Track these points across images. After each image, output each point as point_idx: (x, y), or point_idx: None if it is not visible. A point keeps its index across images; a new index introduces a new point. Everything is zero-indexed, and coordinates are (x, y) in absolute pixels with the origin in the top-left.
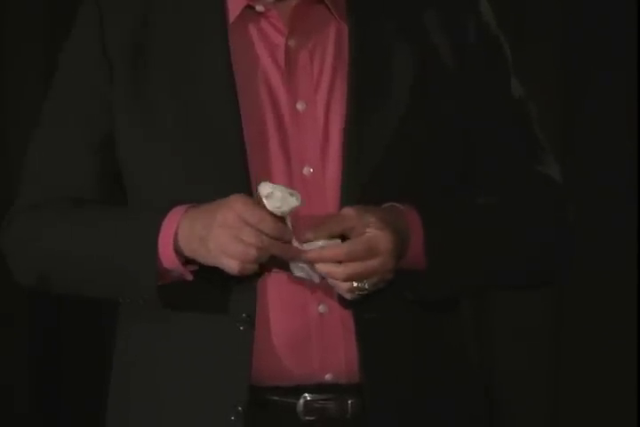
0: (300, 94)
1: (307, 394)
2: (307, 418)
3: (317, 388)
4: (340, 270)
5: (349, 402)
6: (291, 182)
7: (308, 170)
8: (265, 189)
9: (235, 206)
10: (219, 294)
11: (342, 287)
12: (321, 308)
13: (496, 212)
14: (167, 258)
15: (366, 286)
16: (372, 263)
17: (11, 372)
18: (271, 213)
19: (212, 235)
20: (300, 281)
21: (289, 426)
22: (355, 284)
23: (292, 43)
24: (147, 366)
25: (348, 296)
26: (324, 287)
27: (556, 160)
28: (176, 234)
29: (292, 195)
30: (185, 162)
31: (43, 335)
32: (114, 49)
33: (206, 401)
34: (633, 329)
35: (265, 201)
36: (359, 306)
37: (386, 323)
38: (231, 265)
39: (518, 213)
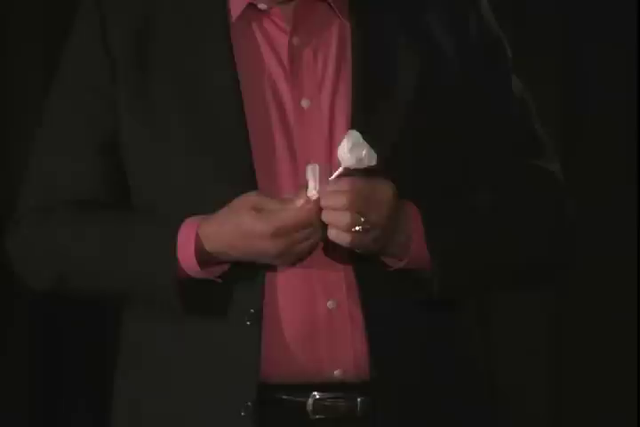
0: (304, 92)
1: (316, 393)
2: (316, 417)
3: (326, 386)
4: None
5: (358, 400)
6: (296, 179)
7: None
8: (354, 138)
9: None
10: (226, 289)
11: (342, 222)
12: (330, 303)
13: (497, 207)
14: (190, 268)
15: (362, 223)
16: (375, 197)
17: (11, 372)
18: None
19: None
20: (307, 276)
21: (298, 425)
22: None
23: (295, 41)
24: (154, 363)
25: (345, 239)
26: (332, 282)
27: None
28: (198, 240)
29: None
30: (189, 161)
31: (43, 336)
32: (117, 49)
33: (215, 397)
34: (633, 329)
35: (346, 151)
36: (368, 301)
37: (394, 319)
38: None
39: (520, 208)
